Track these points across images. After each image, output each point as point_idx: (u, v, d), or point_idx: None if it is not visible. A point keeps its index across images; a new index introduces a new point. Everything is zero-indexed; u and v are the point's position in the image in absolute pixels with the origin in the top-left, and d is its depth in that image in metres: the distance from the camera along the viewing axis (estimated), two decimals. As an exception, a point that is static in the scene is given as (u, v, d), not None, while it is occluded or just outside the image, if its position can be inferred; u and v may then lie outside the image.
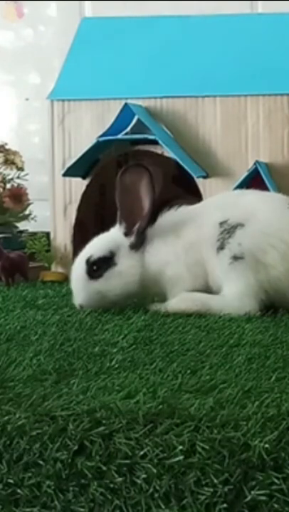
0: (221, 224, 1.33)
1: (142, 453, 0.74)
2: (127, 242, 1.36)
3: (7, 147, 2.17)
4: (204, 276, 1.35)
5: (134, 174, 1.34)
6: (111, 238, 1.38)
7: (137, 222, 1.35)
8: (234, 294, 1.30)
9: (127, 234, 1.36)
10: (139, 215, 1.35)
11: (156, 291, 1.36)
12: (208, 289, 1.34)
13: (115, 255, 1.35)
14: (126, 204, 1.36)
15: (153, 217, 1.37)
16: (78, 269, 1.36)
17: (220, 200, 1.42)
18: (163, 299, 1.35)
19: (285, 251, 1.30)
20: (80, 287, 1.36)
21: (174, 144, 1.86)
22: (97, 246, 1.37)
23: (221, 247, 1.32)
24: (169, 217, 1.38)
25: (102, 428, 0.76)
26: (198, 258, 1.34)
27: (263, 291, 1.30)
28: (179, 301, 1.31)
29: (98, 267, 1.34)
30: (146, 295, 1.36)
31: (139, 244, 1.35)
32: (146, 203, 1.34)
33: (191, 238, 1.35)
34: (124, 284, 1.34)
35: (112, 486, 0.75)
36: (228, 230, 1.32)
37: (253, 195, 1.41)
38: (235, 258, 1.30)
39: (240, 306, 1.29)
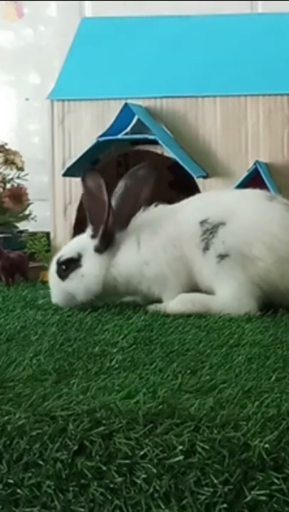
0: (202, 223, 1.34)
1: (142, 453, 0.74)
2: (92, 244, 1.37)
3: (7, 147, 2.17)
4: (187, 273, 1.34)
5: (94, 179, 1.36)
6: (80, 240, 1.41)
7: (101, 226, 1.36)
8: (230, 294, 1.30)
9: (93, 237, 1.37)
10: (102, 219, 1.36)
11: (130, 290, 1.36)
12: (193, 287, 1.34)
13: (82, 257, 1.37)
14: (90, 208, 1.38)
15: (126, 220, 1.38)
16: (52, 268, 1.40)
17: (199, 199, 1.42)
18: (146, 298, 1.35)
19: (271, 242, 1.30)
20: (53, 286, 1.40)
21: (174, 144, 1.86)
22: (67, 247, 1.41)
23: (206, 248, 1.32)
24: (144, 217, 1.39)
25: (102, 428, 0.76)
26: (179, 255, 1.34)
27: (257, 286, 1.30)
28: (179, 303, 1.31)
29: (66, 268, 1.37)
30: (117, 295, 1.38)
31: (103, 247, 1.37)
32: (106, 208, 1.35)
33: (169, 235, 1.35)
34: (87, 286, 1.36)
35: (112, 486, 0.75)
36: (210, 229, 1.32)
37: (231, 193, 1.43)
38: (221, 256, 1.31)
39: (240, 306, 1.29)
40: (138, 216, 1.39)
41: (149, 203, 1.42)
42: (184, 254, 1.34)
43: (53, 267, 1.39)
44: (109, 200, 1.36)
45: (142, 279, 1.35)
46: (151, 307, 1.34)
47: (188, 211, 1.38)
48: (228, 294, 1.30)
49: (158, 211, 1.40)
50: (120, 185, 1.41)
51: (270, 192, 1.48)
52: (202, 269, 1.33)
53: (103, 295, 1.37)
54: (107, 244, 1.37)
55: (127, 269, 1.35)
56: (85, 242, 1.39)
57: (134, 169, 1.43)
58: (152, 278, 1.35)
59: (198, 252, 1.33)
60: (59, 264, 1.38)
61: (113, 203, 1.38)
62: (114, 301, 1.40)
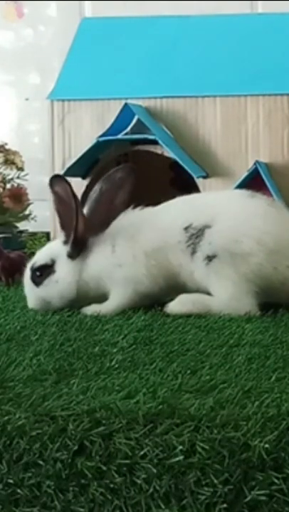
0: (186, 229, 1.32)
1: (142, 453, 0.74)
2: (65, 250, 1.36)
3: (7, 147, 2.17)
4: (168, 277, 1.33)
5: (60, 185, 1.35)
6: (53, 246, 1.39)
7: (71, 232, 1.35)
8: (228, 295, 1.29)
9: (65, 242, 1.37)
10: (72, 225, 1.35)
11: (99, 296, 1.35)
12: (170, 291, 1.33)
13: (55, 263, 1.36)
14: (60, 213, 1.36)
15: (99, 225, 1.36)
16: (26, 275, 1.39)
17: (180, 203, 1.39)
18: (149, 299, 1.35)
19: (259, 236, 1.30)
20: (28, 292, 1.39)
21: (174, 144, 1.86)
22: (40, 253, 1.40)
23: (194, 252, 1.31)
24: (121, 221, 1.37)
25: (102, 428, 0.76)
26: (163, 262, 1.33)
27: (252, 283, 1.29)
28: (179, 304, 1.30)
29: (41, 274, 1.36)
30: (90, 301, 1.35)
31: (75, 253, 1.35)
32: (74, 213, 1.34)
33: (152, 241, 1.33)
34: (61, 292, 1.35)
35: (112, 486, 0.75)
36: (195, 234, 1.31)
37: (212, 195, 1.42)
38: (209, 258, 1.30)
39: (239, 305, 1.29)
40: (116, 221, 1.37)
41: (134, 204, 1.39)
42: (168, 261, 1.33)
43: (27, 274, 1.38)
44: (77, 205, 1.33)
45: (108, 281, 1.34)
46: (89, 309, 1.33)
47: (170, 216, 1.36)
48: (225, 294, 1.30)
49: (136, 215, 1.38)
50: (95, 189, 1.39)
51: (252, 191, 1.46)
52: (192, 273, 1.32)
53: (78, 300, 1.35)
54: (79, 249, 1.35)
55: (97, 272, 1.34)
56: (58, 247, 1.37)
57: (110, 172, 1.40)
58: (120, 280, 1.33)
59: (185, 257, 1.32)
60: (33, 270, 1.37)
61: (87, 207, 1.37)
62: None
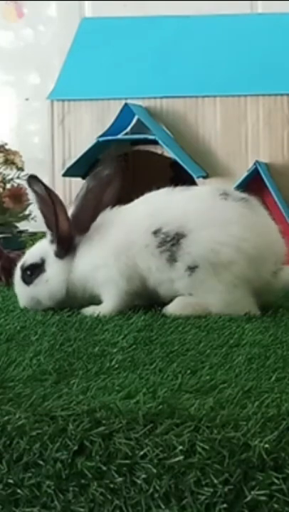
0: (156, 233, 1.29)
1: (142, 453, 0.74)
2: (52, 249, 1.36)
3: (7, 147, 2.18)
4: (139, 279, 1.31)
5: (37, 184, 1.34)
6: (42, 245, 1.38)
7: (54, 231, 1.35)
8: (225, 300, 1.29)
9: (52, 242, 1.36)
10: (53, 224, 1.35)
11: (86, 297, 1.34)
12: (146, 292, 1.32)
13: (45, 262, 1.36)
14: (43, 212, 1.35)
15: (86, 224, 1.35)
16: (16, 274, 1.39)
17: (147, 203, 1.36)
18: (148, 299, 1.34)
19: (236, 243, 1.27)
20: (18, 292, 1.39)
21: (174, 144, 1.86)
22: (30, 253, 1.39)
23: (173, 260, 1.28)
24: (98, 220, 1.36)
25: (102, 428, 0.76)
26: (130, 263, 1.31)
27: (244, 285, 1.28)
28: (179, 307, 1.29)
29: (31, 273, 1.36)
30: (79, 301, 1.35)
31: (62, 252, 1.35)
32: (53, 212, 1.34)
33: (119, 242, 1.31)
34: (51, 291, 1.35)
35: (112, 486, 0.75)
36: (170, 241, 1.28)
37: (179, 194, 1.35)
38: (191, 268, 1.27)
39: (239, 307, 1.29)
40: (96, 220, 1.36)
41: (116, 203, 1.37)
42: (135, 263, 1.31)
43: (17, 274, 1.38)
44: (56, 205, 1.33)
45: (93, 282, 1.33)
46: (88, 310, 1.33)
47: (137, 218, 1.33)
48: (220, 301, 1.29)
49: (108, 215, 1.36)
50: (83, 187, 1.37)
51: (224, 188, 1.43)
52: (172, 282, 1.29)
53: (67, 301, 1.35)
54: (66, 248, 1.35)
55: (81, 273, 1.33)
56: (46, 246, 1.37)
57: (98, 169, 1.39)
58: (102, 281, 1.32)
59: (157, 262, 1.29)
60: (23, 269, 1.37)
61: (74, 204, 1.36)
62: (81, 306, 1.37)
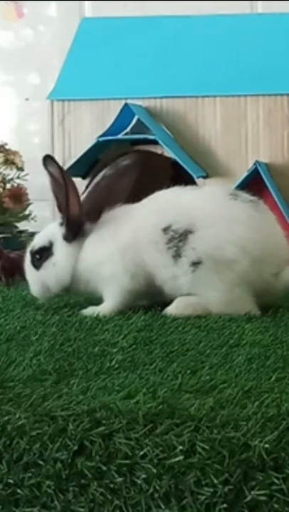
0: (165, 230, 1.29)
1: (142, 453, 0.74)
2: (61, 232, 1.35)
3: (7, 147, 2.17)
4: (144, 277, 1.31)
5: (53, 164, 1.34)
6: (51, 228, 1.38)
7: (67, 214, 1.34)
8: (225, 298, 1.29)
9: (61, 224, 1.36)
10: (65, 207, 1.34)
11: (88, 290, 1.35)
12: (151, 290, 1.32)
13: (53, 245, 1.36)
14: (56, 194, 1.35)
15: (97, 213, 1.35)
16: (26, 259, 1.38)
17: (157, 201, 1.36)
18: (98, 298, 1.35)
19: (242, 243, 1.27)
20: (29, 278, 1.38)
21: (173, 144, 1.86)
22: (38, 236, 1.39)
23: (178, 255, 1.28)
24: (109, 215, 1.36)
25: (102, 428, 0.76)
26: (137, 260, 1.31)
27: (245, 286, 1.29)
28: (180, 307, 1.29)
29: (40, 257, 1.36)
30: (79, 292, 1.36)
31: (70, 235, 1.34)
32: (65, 194, 1.33)
33: (127, 239, 1.31)
34: (58, 275, 1.34)
35: (112, 486, 0.75)
36: (178, 238, 1.28)
37: (190, 193, 1.36)
38: (194, 264, 1.27)
39: (240, 307, 1.29)
40: (107, 213, 1.36)
41: (131, 196, 1.37)
42: (143, 260, 1.30)
43: (27, 259, 1.38)
44: (68, 187, 1.32)
45: (95, 277, 1.33)
46: (88, 310, 1.32)
47: (146, 215, 1.33)
48: (221, 299, 1.29)
49: (119, 211, 1.36)
50: (100, 174, 1.38)
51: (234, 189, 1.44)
52: (176, 278, 1.29)
53: (71, 288, 1.35)
54: (74, 232, 1.34)
55: (87, 266, 1.33)
56: (55, 229, 1.36)
57: (118, 160, 1.40)
58: (105, 278, 1.32)
59: (164, 259, 1.29)
60: (32, 253, 1.37)
61: (88, 190, 1.36)
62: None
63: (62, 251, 1.35)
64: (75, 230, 1.35)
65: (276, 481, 0.71)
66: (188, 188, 1.37)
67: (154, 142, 1.82)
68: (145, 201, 1.37)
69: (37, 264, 1.36)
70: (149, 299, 1.35)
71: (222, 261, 1.27)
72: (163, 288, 1.31)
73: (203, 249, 1.27)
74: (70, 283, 1.35)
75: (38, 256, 1.36)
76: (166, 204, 1.34)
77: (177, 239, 1.29)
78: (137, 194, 1.38)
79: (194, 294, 1.30)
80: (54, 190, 1.35)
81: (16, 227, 2.09)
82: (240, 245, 1.27)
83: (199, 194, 1.37)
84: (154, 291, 1.32)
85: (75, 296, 1.38)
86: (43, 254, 1.36)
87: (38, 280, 1.36)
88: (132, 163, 1.38)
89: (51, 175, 1.35)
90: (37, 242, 1.38)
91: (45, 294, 1.36)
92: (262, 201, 1.35)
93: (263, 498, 0.71)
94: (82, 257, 1.34)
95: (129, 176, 1.37)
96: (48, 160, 1.35)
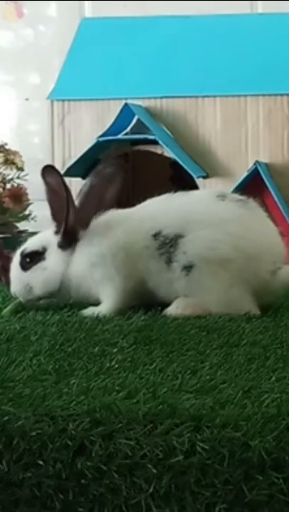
0: (156, 236, 1.30)
1: (142, 453, 0.74)
2: (56, 240, 1.37)
3: (7, 147, 2.17)
4: (138, 280, 1.32)
5: (52, 175, 1.35)
6: (46, 235, 1.40)
7: (62, 223, 1.36)
8: (223, 299, 1.29)
9: (56, 233, 1.37)
10: (63, 216, 1.35)
11: (80, 295, 1.35)
12: (145, 292, 1.32)
13: (46, 251, 1.37)
14: (52, 204, 1.37)
15: (88, 219, 1.36)
16: (15, 260, 1.40)
17: (148, 207, 1.37)
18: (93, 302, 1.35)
19: (234, 241, 1.27)
20: (13, 276, 1.39)
21: (173, 144, 1.86)
22: (32, 240, 1.41)
23: (170, 261, 1.29)
24: (99, 221, 1.36)
25: (102, 428, 0.76)
26: (129, 263, 1.31)
27: (241, 285, 1.29)
28: (180, 308, 1.29)
29: (30, 260, 1.37)
30: (66, 297, 1.36)
31: (65, 244, 1.36)
32: (65, 204, 1.34)
33: (118, 242, 1.32)
34: (46, 280, 1.36)
35: (112, 486, 0.75)
36: (169, 243, 1.29)
37: (179, 198, 1.37)
38: (186, 268, 1.28)
39: (238, 307, 1.29)
40: (98, 218, 1.37)
41: (117, 202, 1.38)
42: (134, 264, 1.31)
43: (16, 259, 1.39)
44: (69, 197, 1.34)
45: (88, 281, 1.33)
46: (87, 311, 1.32)
47: (137, 220, 1.34)
48: (219, 299, 1.29)
49: (109, 216, 1.37)
50: (86, 183, 1.39)
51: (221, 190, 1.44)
52: (171, 283, 1.30)
53: (58, 294, 1.36)
54: (69, 241, 1.36)
55: (79, 271, 1.34)
56: (50, 237, 1.38)
57: (100, 167, 1.41)
58: (99, 280, 1.32)
59: (157, 265, 1.30)
60: (23, 256, 1.38)
61: (77, 201, 1.37)
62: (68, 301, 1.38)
63: (55, 257, 1.36)
64: (71, 239, 1.36)
65: (276, 481, 0.71)
66: (178, 194, 1.38)
67: (154, 142, 1.82)
68: (136, 208, 1.38)
69: (26, 266, 1.37)
70: (147, 300, 1.35)
71: (216, 261, 1.27)
72: (156, 292, 1.32)
73: (195, 252, 1.28)
74: (59, 288, 1.36)
75: (28, 259, 1.38)
76: (157, 210, 1.35)
77: (168, 244, 1.30)
78: (127, 199, 1.39)
79: (193, 296, 1.30)
80: (50, 200, 1.37)
81: (16, 227, 2.09)
82: (232, 244, 1.28)
83: (188, 198, 1.37)
84: (149, 291, 1.33)
85: (60, 301, 1.38)
86: (34, 257, 1.37)
87: (22, 281, 1.38)
88: (115, 170, 1.39)
89: (49, 185, 1.36)
90: (29, 246, 1.39)
91: (25, 294, 1.37)
92: (252, 199, 1.35)
93: (263, 498, 0.71)
94: (74, 262, 1.35)
95: (114, 183, 1.38)
96: (48, 170, 1.36)
